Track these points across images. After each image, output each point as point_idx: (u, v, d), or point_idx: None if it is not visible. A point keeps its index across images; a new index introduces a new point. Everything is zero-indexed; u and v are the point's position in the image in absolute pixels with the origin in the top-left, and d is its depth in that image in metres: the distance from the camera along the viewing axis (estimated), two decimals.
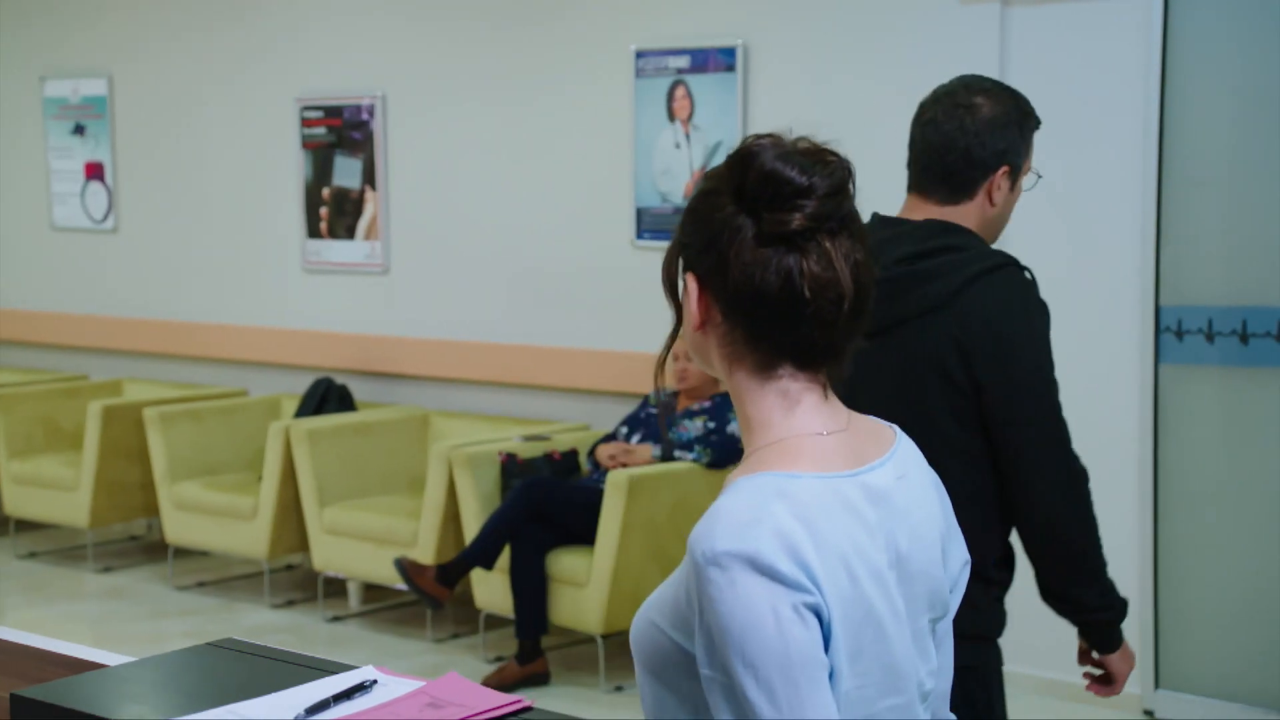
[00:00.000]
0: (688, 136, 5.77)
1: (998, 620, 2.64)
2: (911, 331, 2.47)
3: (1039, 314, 2.55)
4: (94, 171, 7.65)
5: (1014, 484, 2.50)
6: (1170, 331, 4.90)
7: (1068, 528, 2.55)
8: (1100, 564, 2.62)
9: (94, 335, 7.71)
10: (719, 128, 5.68)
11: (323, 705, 1.73)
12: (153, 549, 7.17)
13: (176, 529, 6.55)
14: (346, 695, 1.76)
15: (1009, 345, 2.47)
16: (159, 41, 7.34)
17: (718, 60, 5.67)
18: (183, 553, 6.84)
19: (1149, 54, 4.85)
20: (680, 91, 5.77)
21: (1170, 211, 4.88)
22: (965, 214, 2.59)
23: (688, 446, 5.38)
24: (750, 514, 1.48)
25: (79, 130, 7.67)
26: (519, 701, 1.77)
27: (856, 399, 2.42)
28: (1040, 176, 2.76)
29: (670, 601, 1.56)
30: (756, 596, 1.46)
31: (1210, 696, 4.89)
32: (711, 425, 5.39)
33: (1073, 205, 5.07)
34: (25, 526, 7.42)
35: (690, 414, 5.46)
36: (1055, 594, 2.61)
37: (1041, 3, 5.05)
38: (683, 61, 5.76)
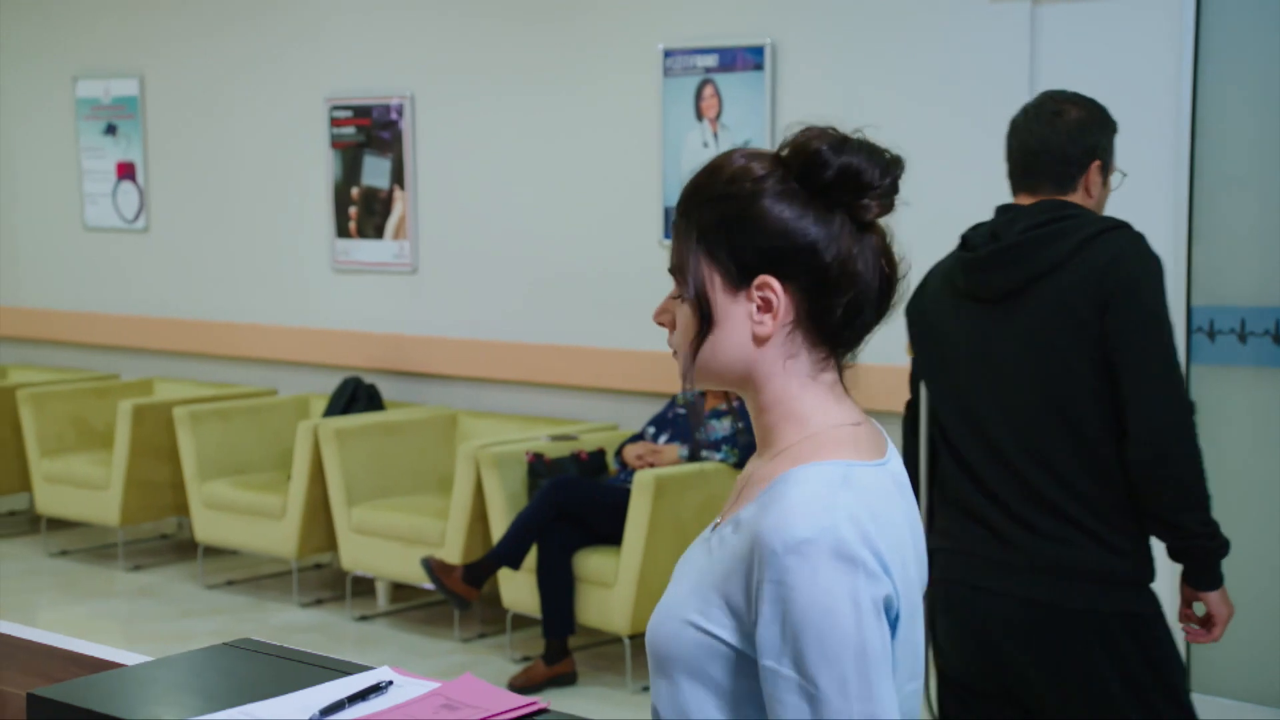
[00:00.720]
0: (716, 136, 5.75)
1: (1149, 564, 2.81)
2: (1039, 290, 2.74)
3: (1155, 261, 2.81)
4: (125, 171, 7.69)
5: (1127, 410, 2.69)
6: (1202, 332, 4.86)
7: (1175, 454, 2.71)
8: (1204, 494, 2.78)
9: (125, 335, 7.74)
10: (747, 127, 5.66)
11: (338, 706, 1.72)
12: (183, 547, 7.20)
13: (206, 528, 6.57)
14: (362, 696, 1.76)
15: (1132, 284, 2.72)
16: (190, 42, 7.37)
17: (746, 59, 5.65)
18: (212, 551, 6.87)
19: (1180, 51, 4.81)
20: (708, 90, 5.76)
21: (1202, 211, 4.84)
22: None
23: (715, 446, 5.37)
24: (824, 502, 1.51)
25: (111, 130, 7.71)
26: (534, 703, 1.76)
27: (987, 362, 2.74)
28: (1125, 175, 3.08)
29: (707, 598, 1.57)
30: (838, 585, 1.48)
31: (1243, 700, 4.84)
32: (740, 425, 5.38)
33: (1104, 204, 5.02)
34: (57, 525, 7.46)
35: (718, 414, 5.44)
36: (1160, 519, 2.76)
37: (1072, 0, 5.02)
38: (711, 60, 5.75)
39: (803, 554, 1.48)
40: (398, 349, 6.74)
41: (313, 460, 6.17)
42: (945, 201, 5.26)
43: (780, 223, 1.59)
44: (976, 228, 2.99)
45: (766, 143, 5.53)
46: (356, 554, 6.05)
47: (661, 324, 1.67)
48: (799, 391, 1.63)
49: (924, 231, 5.77)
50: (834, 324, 1.61)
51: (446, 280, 6.61)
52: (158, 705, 1.75)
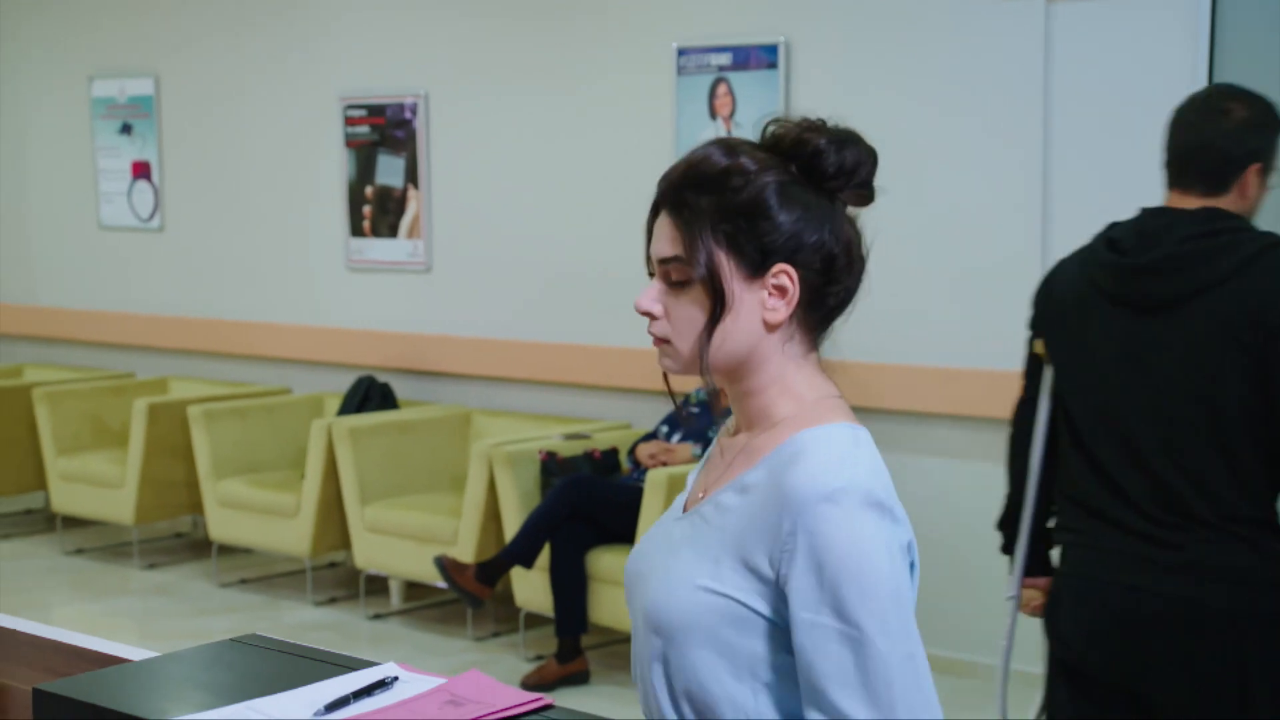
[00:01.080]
0: (729, 134, 5.74)
1: None
2: (1200, 304, 2.72)
3: None
4: (141, 171, 7.70)
5: None
6: None
7: None
8: None
9: (140, 334, 7.76)
10: (761, 125, 5.64)
11: (342, 702, 1.72)
12: (197, 546, 7.21)
13: (220, 526, 6.58)
14: (366, 692, 1.75)
15: None
16: (205, 41, 7.38)
17: (759, 57, 5.64)
18: (227, 550, 6.88)
19: (1195, 47, 4.79)
20: (722, 89, 5.75)
21: None
22: (1222, 205, 2.83)
23: None
24: (848, 457, 1.62)
25: (126, 130, 7.73)
26: (539, 699, 1.75)
27: (1138, 367, 2.79)
28: None
29: (718, 562, 1.62)
30: (872, 529, 1.57)
31: None
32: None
33: (1122, 201, 5.00)
34: (72, 523, 7.48)
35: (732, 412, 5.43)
36: None
37: None
38: (724, 59, 5.74)
39: (838, 502, 1.57)
40: (412, 348, 6.74)
41: (326, 459, 6.17)
42: (957, 197, 5.25)
43: (797, 213, 1.66)
44: (1116, 226, 3.01)
45: None
46: (370, 553, 6.05)
47: (648, 312, 1.69)
48: (795, 371, 1.71)
49: (936, 226, 5.77)
50: (829, 308, 1.71)
51: (460, 279, 6.61)
52: (164, 700, 1.75)
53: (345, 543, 6.30)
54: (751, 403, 1.71)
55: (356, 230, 6.88)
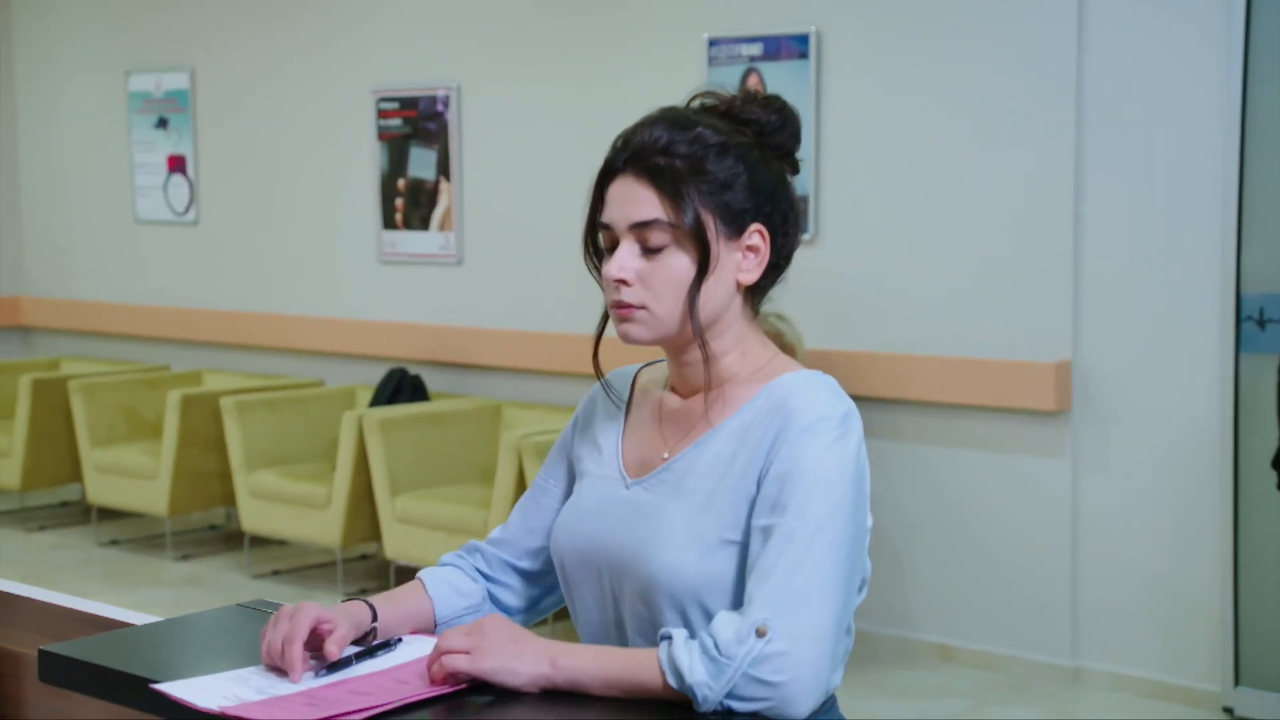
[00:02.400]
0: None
1: None
2: None
3: None
4: (176, 164, 7.75)
5: None
6: (1252, 320, 4.78)
7: None
8: None
9: (175, 327, 7.80)
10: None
11: (344, 663, 1.71)
12: (230, 538, 7.24)
13: (252, 517, 6.60)
14: (369, 654, 1.74)
15: None
16: (239, 35, 7.42)
17: (790, 47, 5.62)
18: (259, 541, 6.90)
19: (1231, 38, 4.74)
20: (753, 79, 5.73)
21: (1252, 198, 4.77)
22: None
23: None
24: (835, 390, 1.72)
25: (162, 124, 7.77)
26: None
27: None
28: None
29: (735, 509, 1.68)
30: (858, 451, 1.68)
31: None
32: None
33: (1153, 192, 4.96)
34: (107, 515, 7.52)
35: None
36: None
37: None
38: (755, 49, 5.72)
39: (849, 423, 1.68)
40: (443, 340, 6.75)
41: (357, 450, 6.18)
42: (989, 188, 5.21)
43: (768, 174, 1.75)
44: None
45: (812, 133, 5.49)
46: (400, 544, 6.06)
47: (624, 280, 1.70)
48: (753, 331, 1.80)
49: (967, 217, 5.72)
50: (777, 267, 1.79)
51: (491, 271, 6.62)
52: (166, 662, 1.75)
53: (376, 534, 6.31)
54: (712, 365, 1.76)
55: (389, 223, 6.89)
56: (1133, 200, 4.99)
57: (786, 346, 5.12)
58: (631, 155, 1.74)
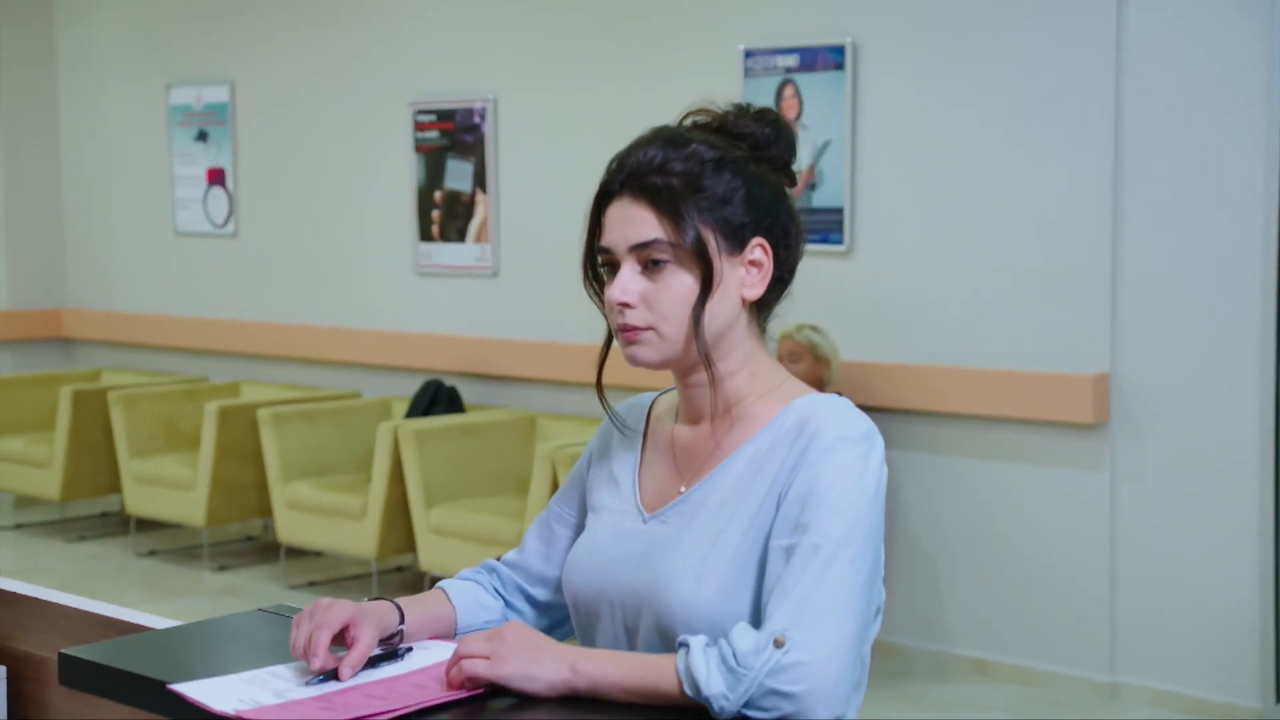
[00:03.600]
0: (797, 136, 5.70)
1: None
2: None
3: None
4: (215, 177, 7.79)
5: None
6: None
7: None
8: None
9: (215, 338, 7.84)
10: (828, 127, 5.60)
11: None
12: (267, 550, 7.26)
13: (289, 528, 6.62)
14: (371, 664, 1.73)
15: None
16: (278, 49, 7.46)
17: (826, 59, 5.60)
18: (296, 552, 6.92)
19: (1271, 47, 4.69)
20: (789, 90, 5.71)
21: None
22: None
23: None
24: (856, 412, 1.70)
25: (202, 137, 7.82)
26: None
27: None
28: None
29: (783, 514, 1.65)
30: (879, 472, 1.66)
31: None
32: None
33: (1192, 202, 4.91)
34: (146, 525, 7.56)
35: None
36: None
37: None
38: (791, 60, 5.70)
39: (872, 442, 1.66)
40: (478, 352, 6.75)
41: (393, 462, 6.19)
42: (1027, 199, 5.17)
43: (767, 188, 1.74)
44: None
45: (848, 144, 5.47)
46: (435, 555, 6.06)
47: (628, 303, 1.68)
48: (761, 349, 1.77)
49: (1005, 228, 5.68)
50: (781, 281, 1.77)
51: (527, 284, 6.62)
52: (185, 665, 1.74)
53: (411, 545, 6.31)
54: (719, 386, 1.74)
55: (425, 235, 6.91)
56: (1171, 210, 4.95)
57: (821, 358, 5.09)
58: (627, 176, 1.72)
